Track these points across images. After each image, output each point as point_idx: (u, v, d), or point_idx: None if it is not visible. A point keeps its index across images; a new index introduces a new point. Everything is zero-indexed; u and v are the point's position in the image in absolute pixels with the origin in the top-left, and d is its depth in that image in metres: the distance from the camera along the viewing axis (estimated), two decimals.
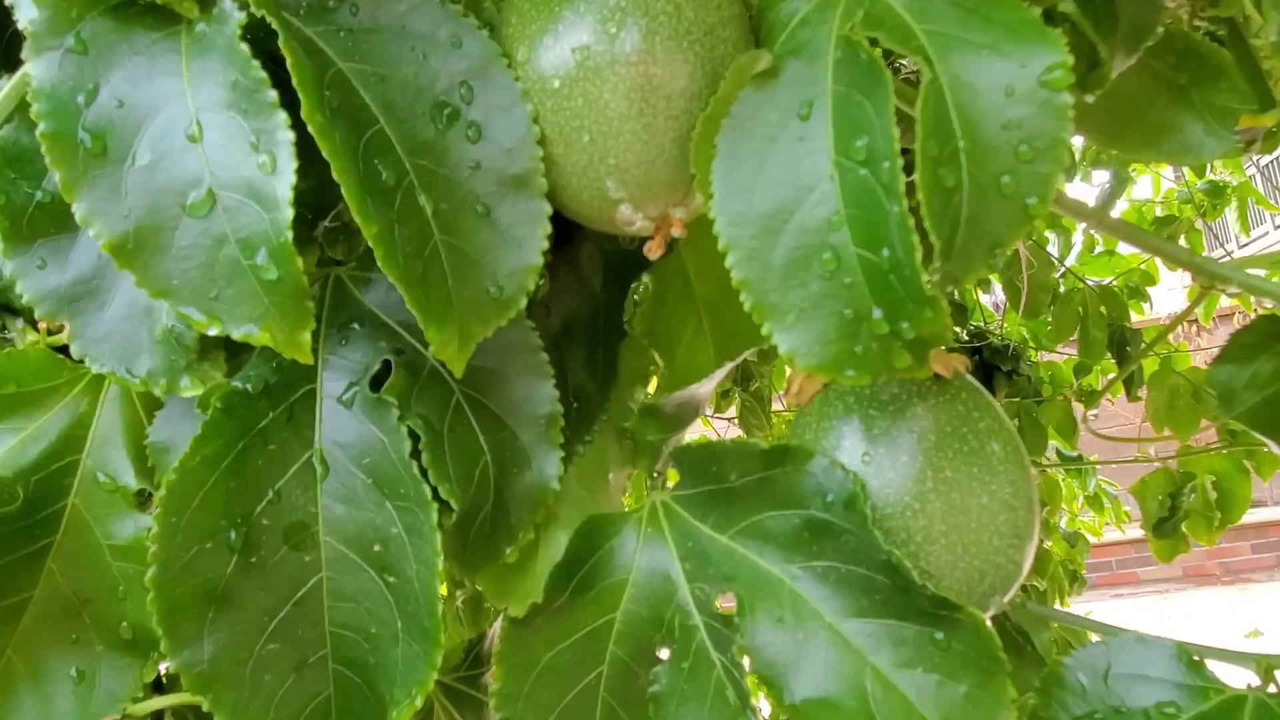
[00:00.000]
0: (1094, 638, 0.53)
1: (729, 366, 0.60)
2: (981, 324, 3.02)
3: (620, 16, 0.45)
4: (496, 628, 0.61)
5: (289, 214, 0.39)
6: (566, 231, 0.60)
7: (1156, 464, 2.70)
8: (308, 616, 0.50)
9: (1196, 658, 0.51)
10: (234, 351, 0.52)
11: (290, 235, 0.39)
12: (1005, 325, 3.06)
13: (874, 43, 0.40)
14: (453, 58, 0.47)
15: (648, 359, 0.67)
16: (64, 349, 0.55)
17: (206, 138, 0.41)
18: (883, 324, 0.41)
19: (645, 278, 0.65)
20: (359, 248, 0.54)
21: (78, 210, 0.41)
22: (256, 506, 0.48)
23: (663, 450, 0.59)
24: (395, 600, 0.49)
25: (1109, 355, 2.80)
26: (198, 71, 0.43)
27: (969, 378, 0.50)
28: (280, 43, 0.40)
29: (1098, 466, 3.40)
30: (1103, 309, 2.78)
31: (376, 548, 0.49)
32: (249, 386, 0.49)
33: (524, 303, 0.47)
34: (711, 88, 0.46)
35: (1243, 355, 0.66)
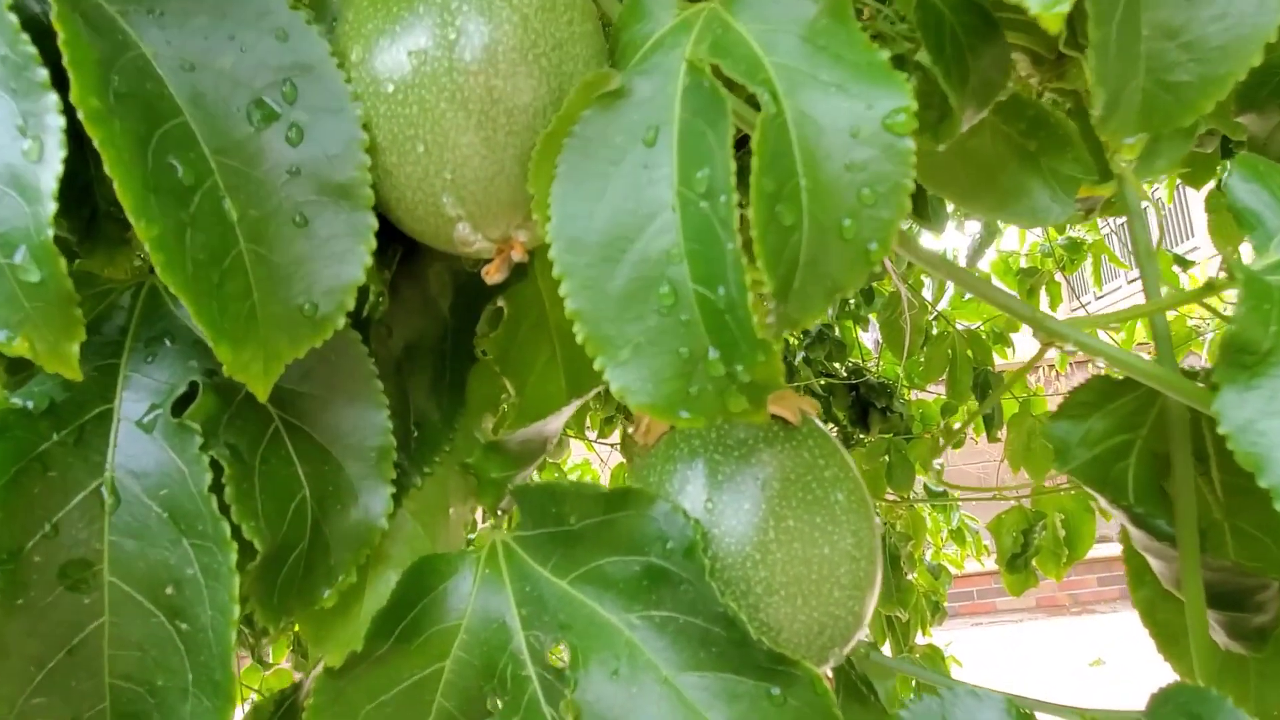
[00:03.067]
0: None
1: (578, 403, 0.58)
2: (859, 361, 3.11)
3: (461, 22, 0.42)
4: (312, 677, 0.56)
5: (51, 207, 0.34)
6: (413, 249, 0.57)
7: (1013, 502, 2.83)
8: (84, 666, 0.44)
9: (1026, 710, 0.51)
10: (19, 362, 0.45)
11: (51, 233, 0.34)
12: (882, 363, 3.17)
13: (717, 71, 0.39)
14: (277, 51, 0.43)
15: (498, 386, 0.63)
16: None
17: None
18: (719, 365, 0.39)
19: (500, 301, 0.61)
20: None
21: None
22: (28, 541, 0.42)
23: (506, 488, 0.56)
24: (186, 649, 0.44)
25: (974, 396, 2.92)
26: None
27: (817, 423, 0.49)
28: (53, 15, 0.35)
29: (960, 502, 3.54)
30: (969, 352, 2.91)
31: (169, 590, 0.44)
32: (30, 404, 0.43)
33: (342, 322, 0.43)
34: (557, 105, 0.43)
35: (1078, 413, 0.68)
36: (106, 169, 0.35)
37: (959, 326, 2.93)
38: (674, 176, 0.40)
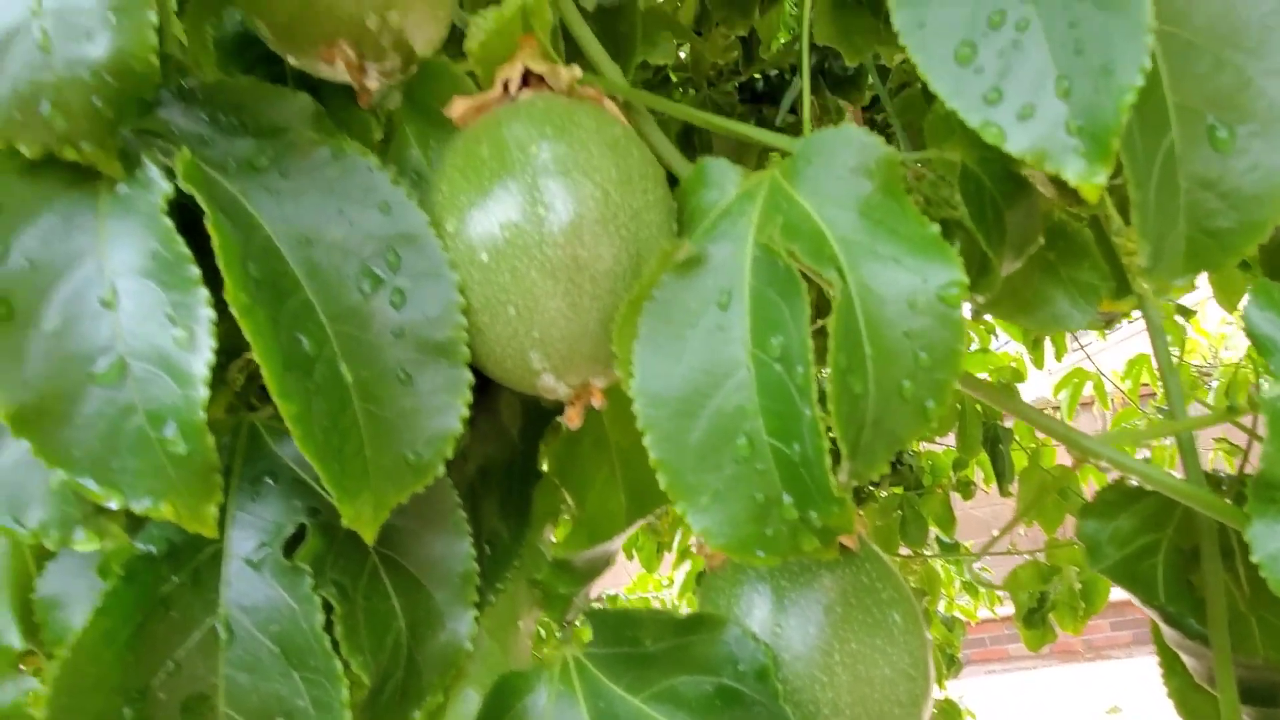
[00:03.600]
0: None
1: (639, 523, 0.61)
2: None
3: (548, 197, 0.46)
4: None
5: (204, 393, 0.39)
6: (486, 381, 0.61)
7: (1027, 556, 2.84)
8: None
9: None
10: None
11: (204, 414, 0.38)
12: None
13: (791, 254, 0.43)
14: (382, 223, 0.47)
15: (559, 498, 0.67)
16: None
17: (121, 304, 0.40)
18: (792, 510, 0.43)
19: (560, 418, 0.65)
20: None
21: None
22: (154, 679, 0.46)
23: (574, 600, 0.59)
24: None
25: (984, 449, 2.95)
26: (116, 234, 0.42)
27: (871, 545, 0.53)
28: (207, 222, 0.40)
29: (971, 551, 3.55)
30: (978, 406, 2.94)
31: None
32: (152, 548, 0.47)
33: (442, 469, 0.47)
34: (635, 268, 0.48)
35: (1105, 511, 0.71)
36: (256, 356, 0.39)
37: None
38: (747, 338, 0.44)
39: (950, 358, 0.41)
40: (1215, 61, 0.42)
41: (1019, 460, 3.06)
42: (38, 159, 0.41)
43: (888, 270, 0.43)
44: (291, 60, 0.58)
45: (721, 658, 0.49)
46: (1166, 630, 0.71)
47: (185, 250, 0.40)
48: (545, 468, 0.67)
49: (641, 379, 0.45)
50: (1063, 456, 3.27)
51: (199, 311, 0.39)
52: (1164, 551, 0.72)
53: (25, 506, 0.47)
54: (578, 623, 0.60)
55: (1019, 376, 3.23)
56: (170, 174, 0.43)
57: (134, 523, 0.49)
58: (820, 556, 0.44)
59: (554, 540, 0.68)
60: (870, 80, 2.23)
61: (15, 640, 0.51)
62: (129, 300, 0.40)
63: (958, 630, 3.40)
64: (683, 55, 2.32)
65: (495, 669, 0.56)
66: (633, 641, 0.52)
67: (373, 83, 0.57)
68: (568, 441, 0.67)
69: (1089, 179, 0.37)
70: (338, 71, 0.56)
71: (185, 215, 0.43)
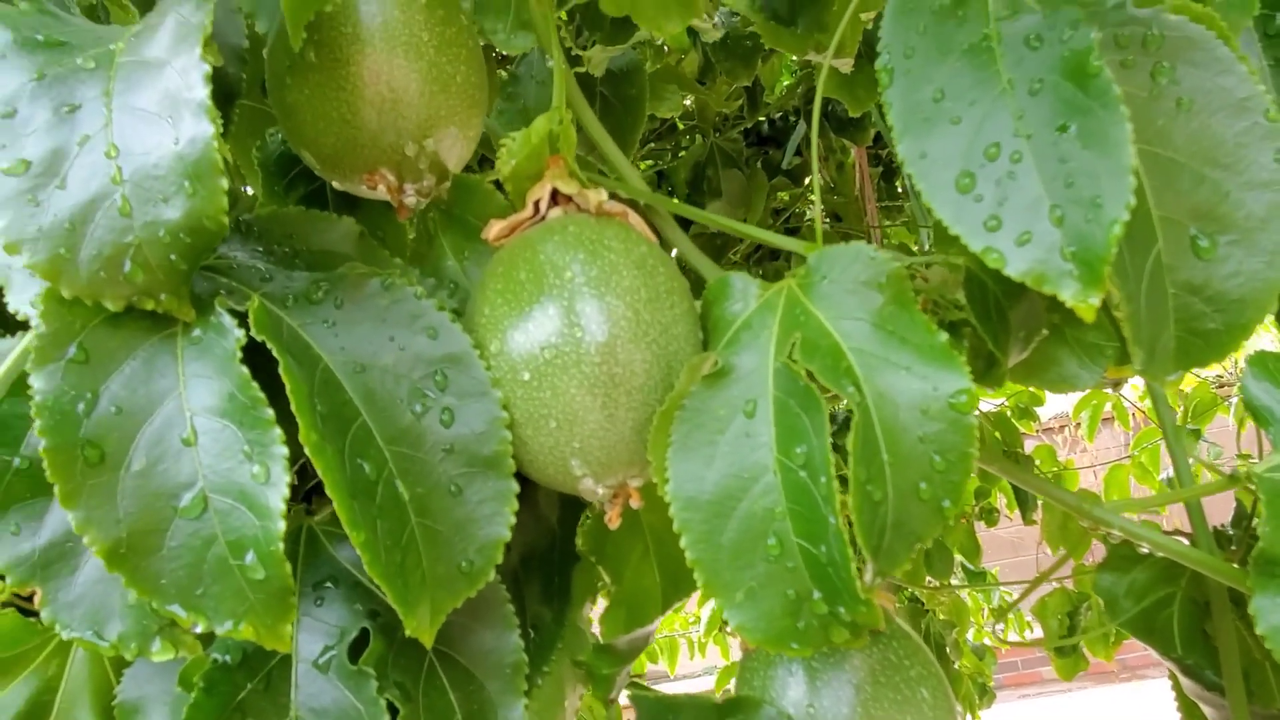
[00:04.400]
0: None
1: (677, 604, 0.64)
2: None
3: (585, 321, 0.50)
4: None
5: (281, 525, 0.42)
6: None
7: (1055, 583, 2.82)
8: None
9: None
10: None
11: (281, 543, 0.42)
12: None
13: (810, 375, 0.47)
14: (429, 347, 0.51)
15: (596, 576, 0.70)
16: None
17: (201, 443, 0.44)
18: (822, 605, 0.46)
19: None
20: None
21: (74, 518, 0.43)
22: None
23: (616, 680, 0.62)
24: None
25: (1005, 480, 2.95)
26: (193, 375, 0.46)
27: (899, 622, 0.56)
28: (280, 369, 0.44)
29: (998, 573, 3.53)
30: (997, 434, 2.95)
31: None
32: (228, 658, 0.50)
33: (492, 573, 0.50)
34: (666, 378, 0.51)
35: (1121, 566, 0.74)
36: (327, 489, 0.43)
37: (982, 406, 2.98)
38: (773, 445, 0.47)
39: (963, 460, 0.45)
40: (1195, 177, 0.45)
41: None
42: (120, 312, 0.46)
43: (901, 379, 0.46)
44: (335, 184, 0.63)
45: None
46: (1185, 681, 0.73)
47: (260, 394, 0.44)
48: (580, 545, 0.70)
49: (676, 484, 0.48)
50: (1086, 481, 3.26)
51: (274, 450, 0.43)
52: (1179, 604, 0.74)
53: (105, 621, 0.50)
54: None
55: (1038, 400, 3.24)
56: (239, 318, 0.47)
57: (207, 633, 0.52)
58: (850, 646, 0.47)
59: (594, 617, 0.71)
60: (873, 119, 2.27)
61: None
62: (208, 439, 0.44)
63: (989, 659, 3.37)
64: (688, 103, 2.38)
65: None
66: None
67: (410, 200, 0.61)
68: (601, 520, 0.70)
69: (1083, 300, 0.40)
70: (378, 193, 0.60)
71: (254, 350, 0.47)
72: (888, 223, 2.77)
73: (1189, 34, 0.46)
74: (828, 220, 2.62)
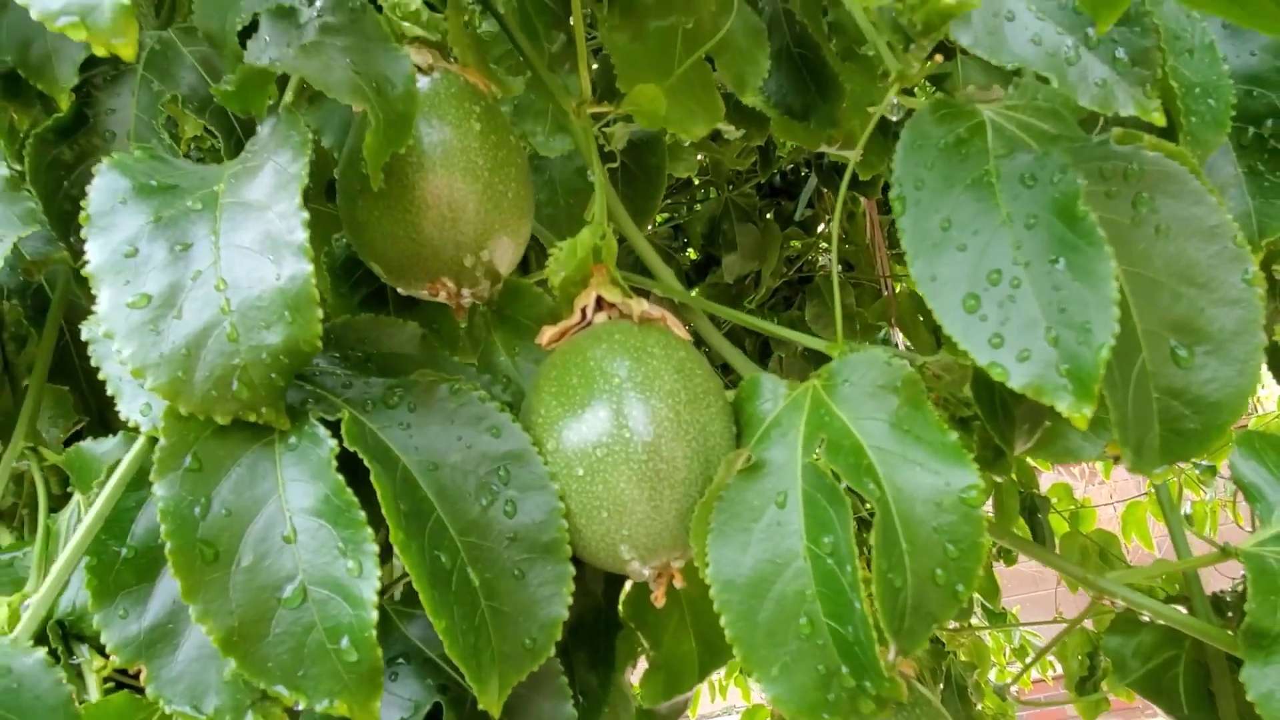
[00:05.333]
0: None
1: (714, 674, 0.70)
2: None
3: (633, 423, 0.56)
4: None
5: (374, 614, 0.48)
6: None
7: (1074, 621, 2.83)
8: None
9: None
10: None
11: (374, 631, 0.48)
12: None
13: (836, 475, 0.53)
14: (493, 445, 0.57)
15: (636, 642, 0.75)
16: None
17: (300, 540, 0.50)
18: (849, 679, 0.51)
19: None
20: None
21: (193, 611, 0.49)
22: None
23: None
24: None
25: (1023, 519, 2.97)
26: (291, 479, 0.52)
27: (920, 689, 0.61)
28: (372, 477, 0.50)
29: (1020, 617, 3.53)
30: (1013, 475, 2.97)
31: None
32: None
33: (553, 649, 0.56)
34: (705, 471, 0.57)
35: (1128, 628, 0.78)
36: (414, 583, 0.49)
37: None
38: (802, 533, 0.53)
39: (974, 549, 0.50)
40: (1173, 295, 0.52)
41: (1058, 526, 3.07)
42: (227, 424, 0.52)
43: (917, 475, 0.52)
44: (399, 289, 0.69)
45: None
46: None
47: (353, 498, 0.50)
48: (623, 613, 0.76)
49: (715, 567, 0.54)
50: (1103, 521, 3.27)
51: (366, 547, 0.49)
52: (1184, 665, 0.78)
53: (203, 696, 0.56)
54: None
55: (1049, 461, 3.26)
56: (331, 428, 0.53)
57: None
58: (875, 717, 0.52)
59: (634, 681, 0.76)
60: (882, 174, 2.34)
61: None
62: (306, 536, 0.50)
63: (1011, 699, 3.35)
64: (702, 158, 2.45)
65: None
66: None
67: (466, 303, 0.68)
68: (641, 589, 0.75)
69: (1077, 411, 0.46)
70: (440, 298, 0.67)
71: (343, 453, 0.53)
72: (899, 269, 2.83)
73: (1165, 168, 0.53)
74: (840, 267, 2.68)
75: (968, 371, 0.58)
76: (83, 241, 0.60)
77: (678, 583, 0.59)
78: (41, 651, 0.47)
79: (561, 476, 0.57)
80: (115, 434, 0.72)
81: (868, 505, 0.51)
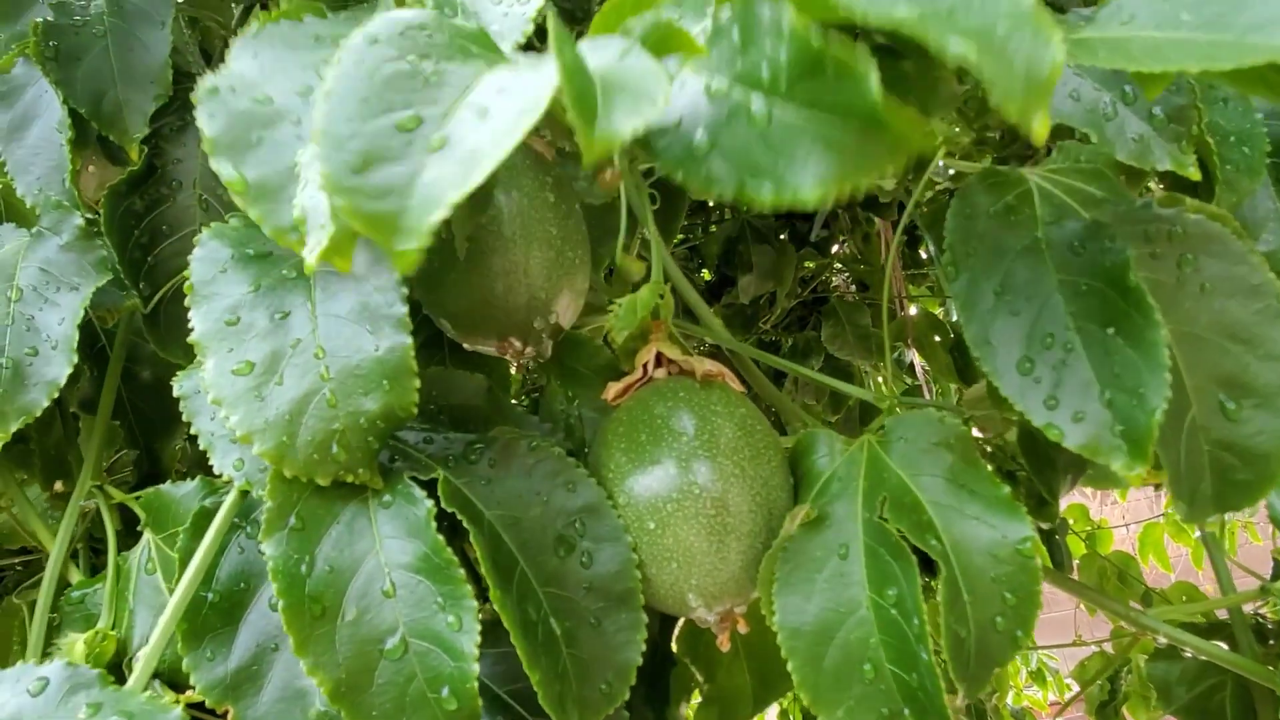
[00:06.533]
0: None
1: (769, 708, 0.73)
2: None
3: (700, 479, 0.60)
4: None
5: (475, 666, 0.52)
6: None
7: (1094, 647, 2.84)
8: None
9: None
10: None
11: (475, 682, 0.51)
12: None
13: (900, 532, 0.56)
14: (569, 499, 0.61)
15: (690, 676, 0.79)
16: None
17: (399, 594, 0.54)
18: (912, 719, 0.54)
19: None
20: None
21: (304, 664, 0.52)
22: None
23: None
24: None
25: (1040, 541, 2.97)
26: (387, 536, 0.56)
27: None
28: (471, 538, 0.54)
29: (1035, 637, 3.53)
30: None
31: None
32: None
33: (627, 694, 0.59)
34: (768, 523, 0.61)
35: (1173, 653, 0.81)
36: (513, 639, 0.52)
37: None
38: (864, 583, 0.56)
39: (1031, 597, 0.54)
40: (1220, 350, 0.55)
41: (1076, 547, 3.08)
42: (326, 485, 0.56)
43: (974, 528, 0.55)
44: (465, 345, 0.73)
45: None
46: None
47: (452, 556, 0.53)
48: (676, 648, 0.79)
49: (782, 615, 0.57)
50: (1120, 542, 3.28)
51: (466, 603, 0.53)
52: (1230, 689, 0.81)
53: None
54: None
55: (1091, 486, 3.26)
56: (426, 487, 0.57)
57: None
58: None
59: (688, 715, 0.79)
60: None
61: None
62: (405, 591, 0.54)
63: None
64: None
65: None
66: None
67: (527, 360, 0.72)
68: (694, 624, 0.79)
69: (1131, 470, 0.49)
70: (505, 355, 0.71)
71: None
72: (914, 289, 2.85)
73: (1207, 230, 0.56)
74: (853, 288, 2.71)
75: (1009, 423, 0.61)
76: (155, 288, 0.63)
77: (741, 628, 0.62)
78: (179, 709, 0.50)
79: (633, 529, 0.61)
80: (159, 463, 0.76)
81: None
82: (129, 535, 0.80)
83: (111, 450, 1.00)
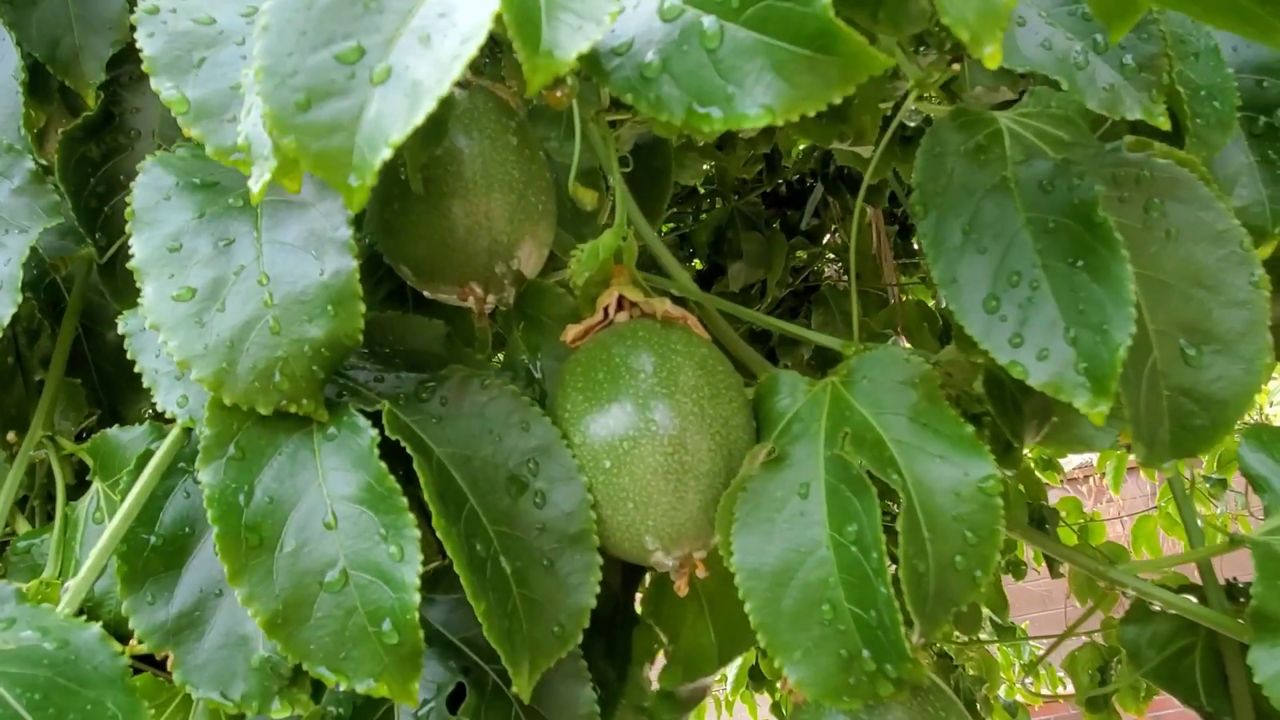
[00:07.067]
0: None
1: (732, 663, 0.71)
2: None
3: (658, 416, 0.58)
4: None
5: (416, 597, 0.50)
6: None
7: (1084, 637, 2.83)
8: None
9: None
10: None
11: (416, 614, 0.50)
12: None
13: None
14: (523, 439, 0.59)
15: (654, 638, 0.77)
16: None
17: (341, 526, 0.52)
18: (870, 663, 0.53)
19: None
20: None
21: (239, 593, 0.51)
22: None
23: None
24: None
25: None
26: (331, 468, 0.54)
27: (935, 679, 0.62)
28: (415, 465, 0.52)
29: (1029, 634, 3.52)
30: (1021, 487, 2.98)
31: None
32: (340, 711, 0.58)
33: (580, 637, 0.57)
34: (727, 463, 0.59)
35: (1143, 617, 0.80)
36: (456, 568, 0.51)
37: None
38: (825, 522, 0.55)
39: (992, 536, 0.52)
40: (1183, 297, 0.54)
41: (1067, 538, 3.07)
42: (268, 414, 0.54)
43: (936, 466, 0.53)
44: (425, 293, 0.71)
45: None
46: None
47: (396, 485, 0.52)
48: (640, 609, 0.77)
49: (740, 556, 0.56)
50: (1113, 532, 3.27)
51: (407, 532, 0.51)
52: (1200, 653, 0.79)
53: (230, 682, 0.57)
54: None
55: (1060, 453, 3.26)
56: (371, 418, 0.55)
57: (317, 690, 0.59)
58: (894, 699, 0.53)
59: (652, 677, 0.78)
60: (888, 182, 2.36)
61: None
62: (347, 523, 0.52)
63: (1021, 716, 3.34)
64: (708, 169, 2.46)
65: None
66: None
67: (489, 308, 0.70)
68: (659, 585, 0.77)
69: (1094, 408, 0.48)
70: (467, 303, 0.69)
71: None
72: (905, 279, 2.84)
73: (1175, 175, 0.55)
74: (845, 277, 2.70)
75: (977, 369, 0.60)
76: (110, 239, 0.61)
77: (700, 572, 0.60)
78: (97, 625, 0.48)
79: (588, 469, 0.59)
80: (123, 425, 0.74)
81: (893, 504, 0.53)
82: (82, 490, 0.78)
83: (80, 415, 0.98)
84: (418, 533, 0.51)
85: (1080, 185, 0.53)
